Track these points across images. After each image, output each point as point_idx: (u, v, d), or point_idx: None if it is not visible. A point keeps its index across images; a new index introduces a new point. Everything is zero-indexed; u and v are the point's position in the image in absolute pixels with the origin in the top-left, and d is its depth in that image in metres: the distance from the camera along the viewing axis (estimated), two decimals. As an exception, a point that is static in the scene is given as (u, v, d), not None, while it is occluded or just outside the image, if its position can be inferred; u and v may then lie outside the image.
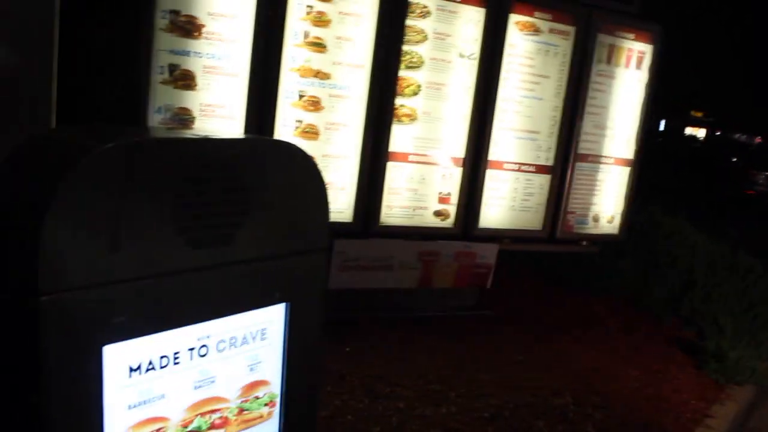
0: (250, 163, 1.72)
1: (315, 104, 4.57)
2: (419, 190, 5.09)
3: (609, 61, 5.71)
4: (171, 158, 1.55)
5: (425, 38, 4.88)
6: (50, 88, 3.36)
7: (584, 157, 5.72)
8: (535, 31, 5.30)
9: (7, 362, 1.41)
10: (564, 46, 5.45)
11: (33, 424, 1.39)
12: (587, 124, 5.65)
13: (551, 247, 5.96)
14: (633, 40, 5.79)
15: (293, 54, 4.44)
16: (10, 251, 1.39)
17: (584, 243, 6.01)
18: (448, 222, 5.26)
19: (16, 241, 1.38)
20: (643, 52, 5.89)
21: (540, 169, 5.55)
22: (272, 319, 1.83)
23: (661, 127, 23.06)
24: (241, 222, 1.70)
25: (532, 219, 5.63)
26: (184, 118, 4.16)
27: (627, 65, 5.83)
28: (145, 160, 1.50)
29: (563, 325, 5.94)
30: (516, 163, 5.44)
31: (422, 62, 4.90)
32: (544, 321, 5.98)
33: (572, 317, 6.21)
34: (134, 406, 1.57)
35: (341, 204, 4.77)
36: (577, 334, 5.76)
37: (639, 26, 5.81)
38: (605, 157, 5.86)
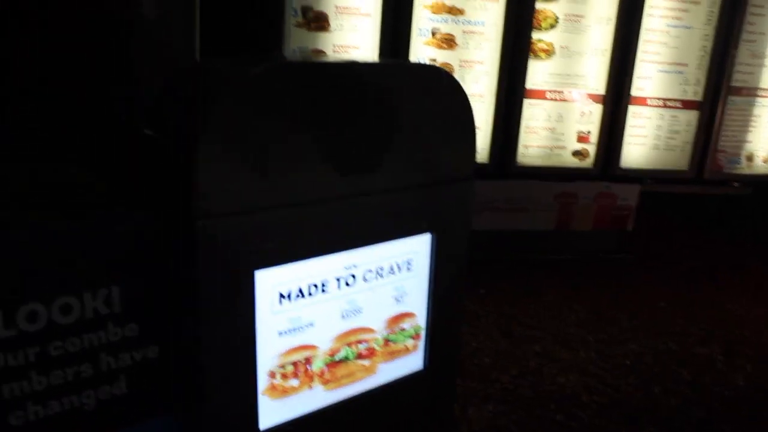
0: (399, 87, 1.66)
1: (449, 42, 4.45)
2: (557, 129, 4.90)
3: (770, -19, 5.20)
4: (317, 82, 1.52)
5: (563, -33, 4.62)
6: (194, 34, 3.45)
7: (738, 90, 5.29)
8: (684, -48, 4.90)
9: (166, 285, 1.46)
10: (717, -33, 5.00)
11: (191, 343, 1.43)
12: (743, 54, 5.19)
13: (698, 189, 5.60)
14: (798, -44, 5.23)
15: (425, -10, 4.33)
16: (167, 179, 1.42)
17: (735, 184, 5.61)
18: (587, 162, 5.04)
19: (173, 169, 1.40)
20: (811, -30, 5.31)
21: (687, 105, 5.19)
22: (418, 249, 1.80)
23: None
24: (389, 148, 1.65)
25: (678, 158, 5.31)
26: (319, 59, 4.17)
27: (791, -15, 5.28)
28: (291, 83, 1.48)
29: (709, 271, 5.60)
30: (661, 99, 5.12)
31: (560, -7, 4.66)
32: (688, 266, 5.65)
33: (719, 264, 5.83)
34: (284, 333, 1.60)
35: (476, 144, 4.66)
36: (725, 281, 5.41)
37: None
38: (763, 89, 5.38)
